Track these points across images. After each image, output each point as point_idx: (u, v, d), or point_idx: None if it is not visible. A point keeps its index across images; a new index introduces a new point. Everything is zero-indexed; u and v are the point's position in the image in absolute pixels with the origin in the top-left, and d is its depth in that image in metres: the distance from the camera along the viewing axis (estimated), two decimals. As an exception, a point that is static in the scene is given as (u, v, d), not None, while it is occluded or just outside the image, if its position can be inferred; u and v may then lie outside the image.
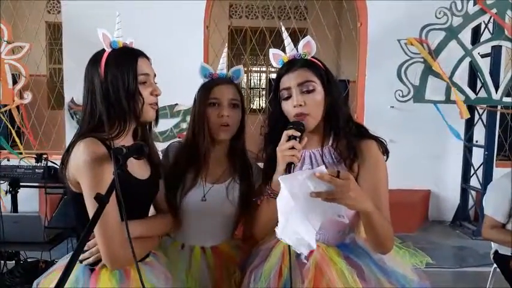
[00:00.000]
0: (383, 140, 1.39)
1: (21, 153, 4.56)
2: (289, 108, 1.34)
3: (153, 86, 1.34)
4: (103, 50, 1.32)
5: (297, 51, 1.38)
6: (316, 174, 1.09)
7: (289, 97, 1.34)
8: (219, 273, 1.52)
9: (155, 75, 1.38)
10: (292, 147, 1.24)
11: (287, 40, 1.42)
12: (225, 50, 1.68)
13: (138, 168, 1.33)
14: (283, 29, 1.48)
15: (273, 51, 1.43)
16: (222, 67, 1.61)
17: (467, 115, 4.52)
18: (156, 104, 1.36)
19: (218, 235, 1.60)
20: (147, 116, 1.34)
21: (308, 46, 1.37)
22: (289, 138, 1.25)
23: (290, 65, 1.37)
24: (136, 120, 1.33)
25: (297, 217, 1.12)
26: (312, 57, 1.39)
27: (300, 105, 1.31)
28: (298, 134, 1.26)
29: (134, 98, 1.28)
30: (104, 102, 1.27)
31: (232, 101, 1.54)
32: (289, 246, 1.28)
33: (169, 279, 1.41)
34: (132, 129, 1.36)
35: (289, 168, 1.25)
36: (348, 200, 1.10)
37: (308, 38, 1.38)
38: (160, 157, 1.54)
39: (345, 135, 1.35)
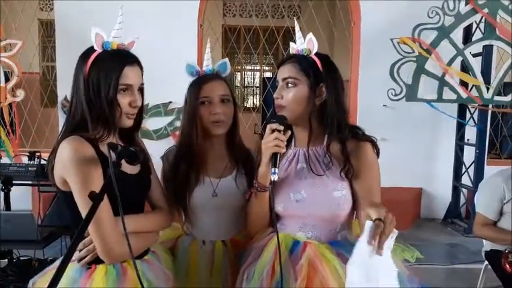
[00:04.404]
0: (375, 139, 1.42)
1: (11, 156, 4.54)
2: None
3: (132, 97, 1.29)
4: (93, 47, 1.29)
5: (305, 45, 1.42)
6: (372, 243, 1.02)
7: None
8: (237, 264, 1.52)
9: (142, 84, 1.34)
10: (276, 139, 1.29)
11: (298, 34, 1.46)
12: (208, 45, 1.68)
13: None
14: (295, 23, 1.55)
15: (292, 45, 1.48)
16: (207, 63, 1.61)
17: None
18: (134, 114, 1.33)
19: (235, 227, 1.62)
20: (123, 124, 1.32)
21: (309, 43, 1.42)
22: (273, 131, 1.31)
23: (286, 58, 1.44)
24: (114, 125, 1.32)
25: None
26: (318, 54, 1.42)
27: (277, 97, 1.40)
28: (282, 128, 1.32)
29: (112, 105, 1.26)
30: (86, 102, 1.26)
31: (223, 97, 1.55)
32: (278, 246, 1.29)
33: (169, 277, 1.41)
34: (117, 130, 1.35)
35: (274, 158, 1.30)
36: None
37: (310, 35, 1.42)
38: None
39: (339, 140, 1.38)
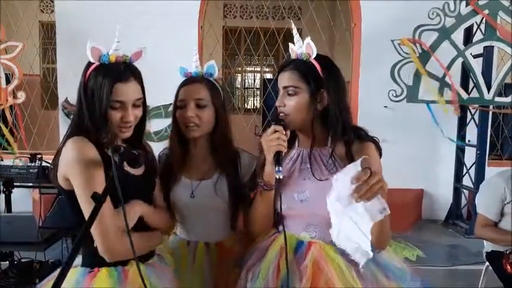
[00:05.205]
0: (377, 140, 1.42)
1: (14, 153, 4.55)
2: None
3: (124, 112, 1.28)
4: None
5: (304, 49, 1.41)
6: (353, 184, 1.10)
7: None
8: (221, 269, 1.52)
9: (140, 99, 1.31)
10: (279, 138, 1.31)
11: (296, 37, 1.45)
12: (195, 47, 1.66)
13: None
14: (293, 25, 1.54)
15: (291, 46, 1.46)
16: (195, 65, 1.60)
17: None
18: (128, 127, 1.31)
19: (218, 230, 1.61)
20: (120, 136, 1.33)
21: (307, 47, 1.40)
22: (276, 131, 1.33)
23: (287, 64, 1.43)
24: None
25: (348, 223, 1.15)
26: (319, 57, 1.41)
27: (280, 106, 1.40)
28: (284, 132, 1.34)
29: (105, 119, 1.26)
30: (87, 109, 1.27)
31: (198, 101, 1.52)
32: (285, 243, 1.30)
33: (174, 281, 1.41)
34: (117, 138, 1.34)
35: (277, 157, 1.31)
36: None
37: (308, 39, 1.40)
38: None
39: (344, 142, 1.39)
